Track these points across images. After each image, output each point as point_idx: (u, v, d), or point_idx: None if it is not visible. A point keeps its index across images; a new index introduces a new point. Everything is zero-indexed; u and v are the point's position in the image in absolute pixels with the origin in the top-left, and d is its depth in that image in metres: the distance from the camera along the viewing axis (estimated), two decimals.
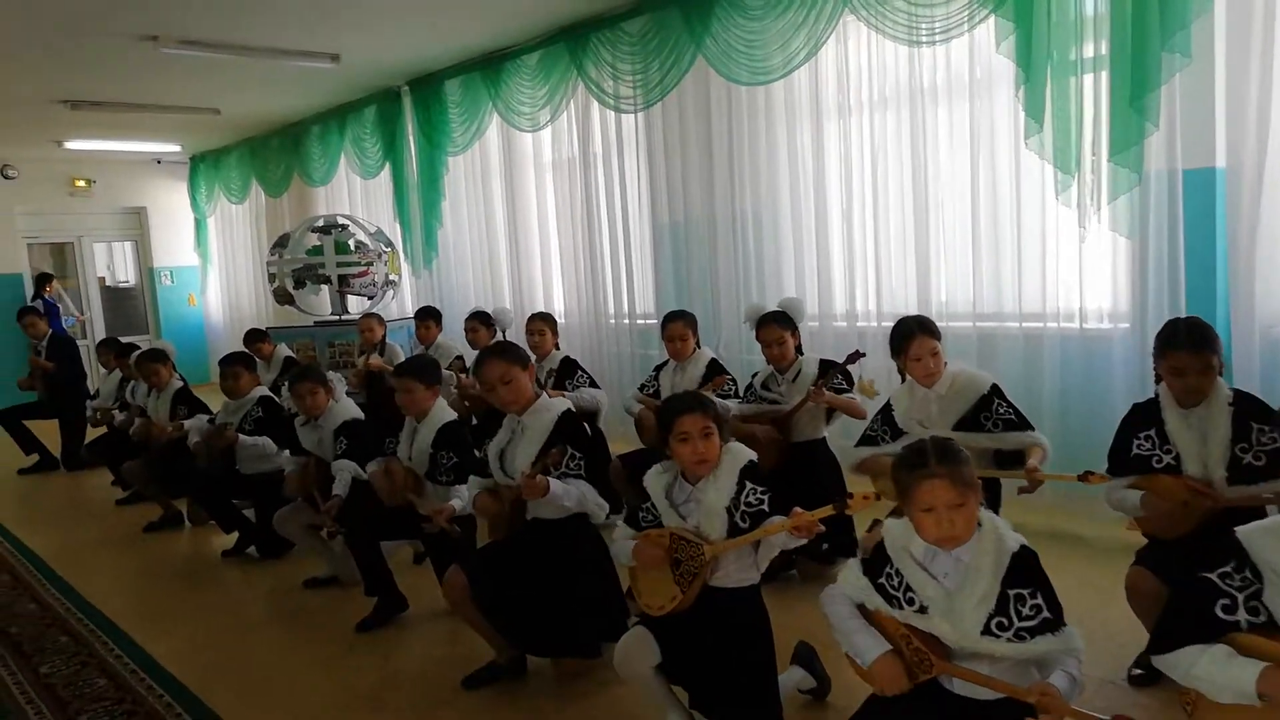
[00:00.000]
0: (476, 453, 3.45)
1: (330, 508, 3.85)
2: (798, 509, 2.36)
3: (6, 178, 11.13)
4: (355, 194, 9.33)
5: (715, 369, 4.41)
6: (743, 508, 2.49)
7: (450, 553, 3.63)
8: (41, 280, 10.71)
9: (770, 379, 4.07)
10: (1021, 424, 3.10)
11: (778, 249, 5.69)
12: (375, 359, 6.49)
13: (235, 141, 10.77)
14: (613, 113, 6.45)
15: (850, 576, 2.24)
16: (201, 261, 12.33)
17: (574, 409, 3.16)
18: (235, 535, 4.95)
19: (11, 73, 7.09)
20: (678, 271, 6.31)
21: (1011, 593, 2.00)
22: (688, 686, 2.59)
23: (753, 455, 2.57)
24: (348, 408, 4.22)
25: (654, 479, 2.66)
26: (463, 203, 7.99)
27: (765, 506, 2.48)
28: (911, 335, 3.21)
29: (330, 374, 4.24)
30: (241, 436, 4.56)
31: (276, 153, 10.17)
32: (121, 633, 3.90)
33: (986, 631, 1.99)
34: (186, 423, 5.30)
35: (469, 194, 7.92)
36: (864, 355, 3.92)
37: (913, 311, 5.04)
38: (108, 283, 12.40)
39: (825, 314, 5.45)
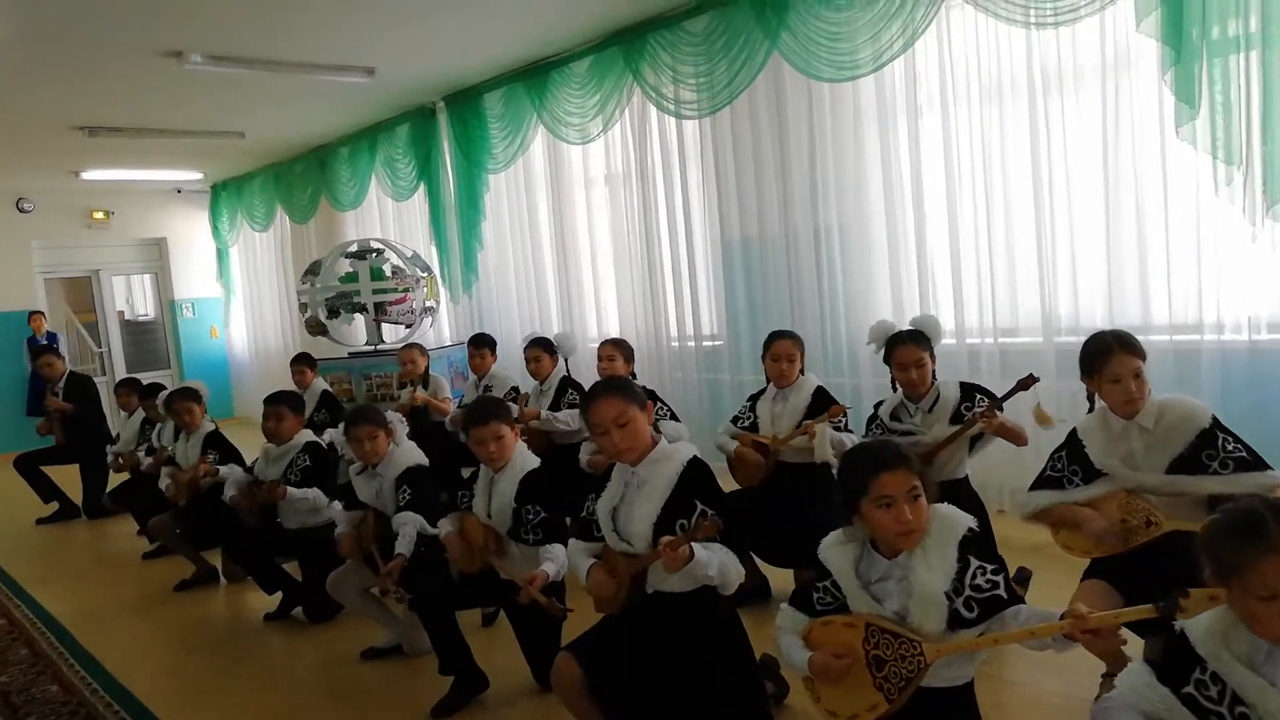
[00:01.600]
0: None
1: (393, 569, 3.31)
2: (1080, 606, 1.78)
3: (22, 211, 10.73)
4: (387, 217, 8.85)
5: (824, 398, 3.85)
6: (968, 592, 1.94)
7: (542, 628, 3.10)
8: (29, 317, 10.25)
9: (900, 408, 3.51)
10: (1257, 463, 2.51)
11: (869, 262, 5.15)
12: (421, 393, 5.97)
13: (258, 167, 10.35)
14: (673, 120, 5.95)
15: (1136, 682, 1.68)
16: (224, 292, 11.88)
17: (699, 455, 2.61)
18: (278, 596, 4.42)
19: (27, 101, 6.67)
20: (750, 290, 5.79)
21: None
22: None
23: (972, 522, 2.01)
24: (410, 453, 3.69)
25: (836, 551, 2.11)
26: (505, 223, 7.49)
27: (1001, 591, 1.92)
28: (1109, 352, 2.61)
29: (389, 413, 3.71)
30: (290, 490, 4.02)
31: (302, 177, 9.73)
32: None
33: None
34: (221, 469, 4.78)
35: (512, 213, 7.42)
36: (1038, 380, 3.34)
37: (1035, 326, 4.53)
38: (126, 316, 11.96)
39: None
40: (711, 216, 5.87)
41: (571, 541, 2.77)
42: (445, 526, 3.34)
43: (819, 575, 2.14)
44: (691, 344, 6.13)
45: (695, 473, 2.52)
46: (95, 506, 6.89)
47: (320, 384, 6.57)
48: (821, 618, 2.09)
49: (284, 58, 6.07)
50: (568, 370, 5.18)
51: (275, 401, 4.27)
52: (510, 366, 6.10)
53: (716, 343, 6.13)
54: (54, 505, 7.00)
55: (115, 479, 6.56)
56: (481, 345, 5.83)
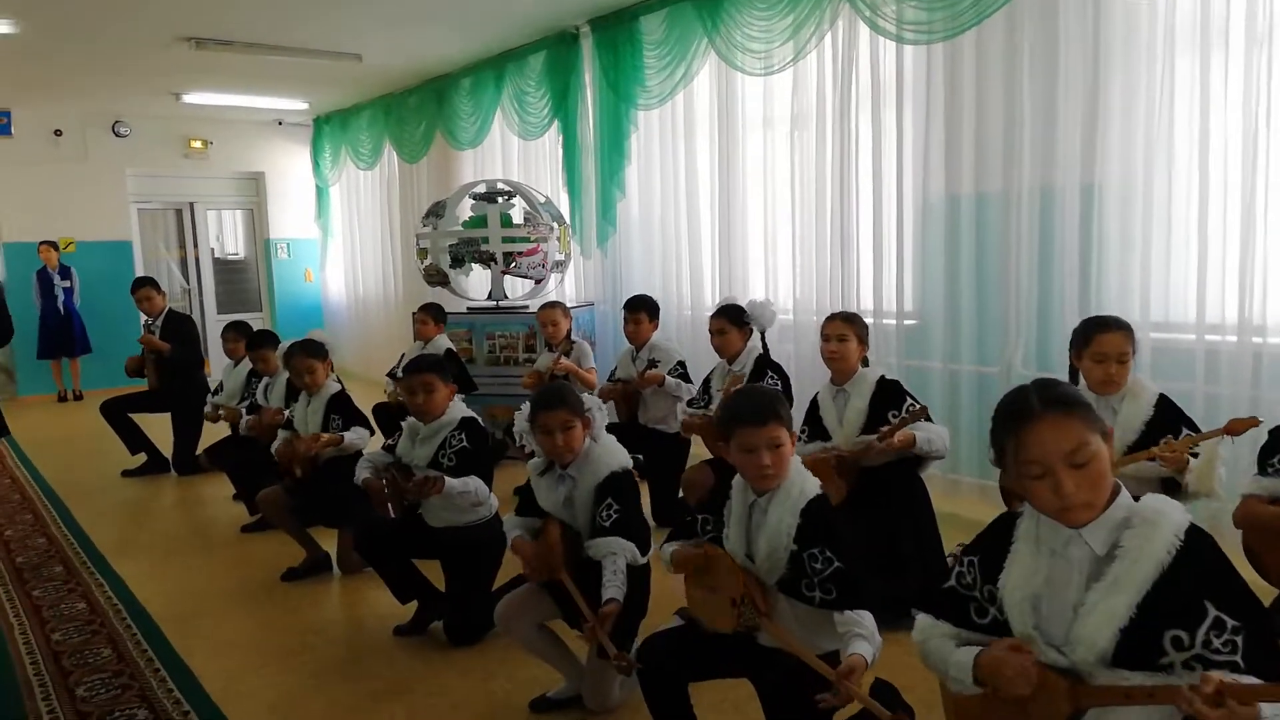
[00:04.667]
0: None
1: (605, 618, 2.39)
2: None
3: (119, 135, 10.10)
4: (511, 158, 7.93)
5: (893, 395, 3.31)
6: None
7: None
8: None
9: None
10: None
11: (1149, 232, 4.03)
12: (565, 361, 5.07)
13: (367, 99, 9.52)
14: (890, 47, 4.88)
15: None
16: (322, 234, 11.16)
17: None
18: (412, 605, 3.57)
19: (133, 5, 5.88)
20: (953, 261, 4.73)
21: None
22: None
23: None
24: (614, 452, 2.76)
25: None
26: (654, 168, 6.49)
27: None
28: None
29: (586, 397, 2.77)
30: (449, 482, 3.12)
31: (416, 111, 8.86)
32: None
33: None
34: (348, 437, 3.95)
35: (664, 157, 6.41)
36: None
37: None
38: (215, 254, 11.33)
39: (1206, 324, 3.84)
40: (925, 168, 4.79)
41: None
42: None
43: None
44: (892, 322, 5.08)
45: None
46: (187, 462, 6.18)
47: (444, 341, 5.76)
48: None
49: None
50: (764, 348, 4.21)
51: (421, 369, 3.33)
52: (672, 336, 5.17)
53: (909, 322, 5.11)
54: (142, 457, 6.31)
55: (210, 433, 5.84)
56: (638, 309, 4.91)
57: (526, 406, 2.81)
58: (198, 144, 10.59)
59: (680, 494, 4.33)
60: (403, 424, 3.50)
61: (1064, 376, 3.99)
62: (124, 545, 4.77)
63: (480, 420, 3.39)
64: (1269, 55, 3.57)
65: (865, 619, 2.05)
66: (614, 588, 2.47)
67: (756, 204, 5.81)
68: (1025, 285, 4.44)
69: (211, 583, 4.20)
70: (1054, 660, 1.57)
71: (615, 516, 2.62)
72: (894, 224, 5.02)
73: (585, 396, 2.76)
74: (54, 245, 9.29)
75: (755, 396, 2.29)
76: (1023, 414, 1.57)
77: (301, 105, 9.82)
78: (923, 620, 1.81)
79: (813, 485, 2.25)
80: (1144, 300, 4.08)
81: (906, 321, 5.06)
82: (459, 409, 3.38)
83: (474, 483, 3.19)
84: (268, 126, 10.95)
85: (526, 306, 6.64)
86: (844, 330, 3.41)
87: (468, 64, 7.93)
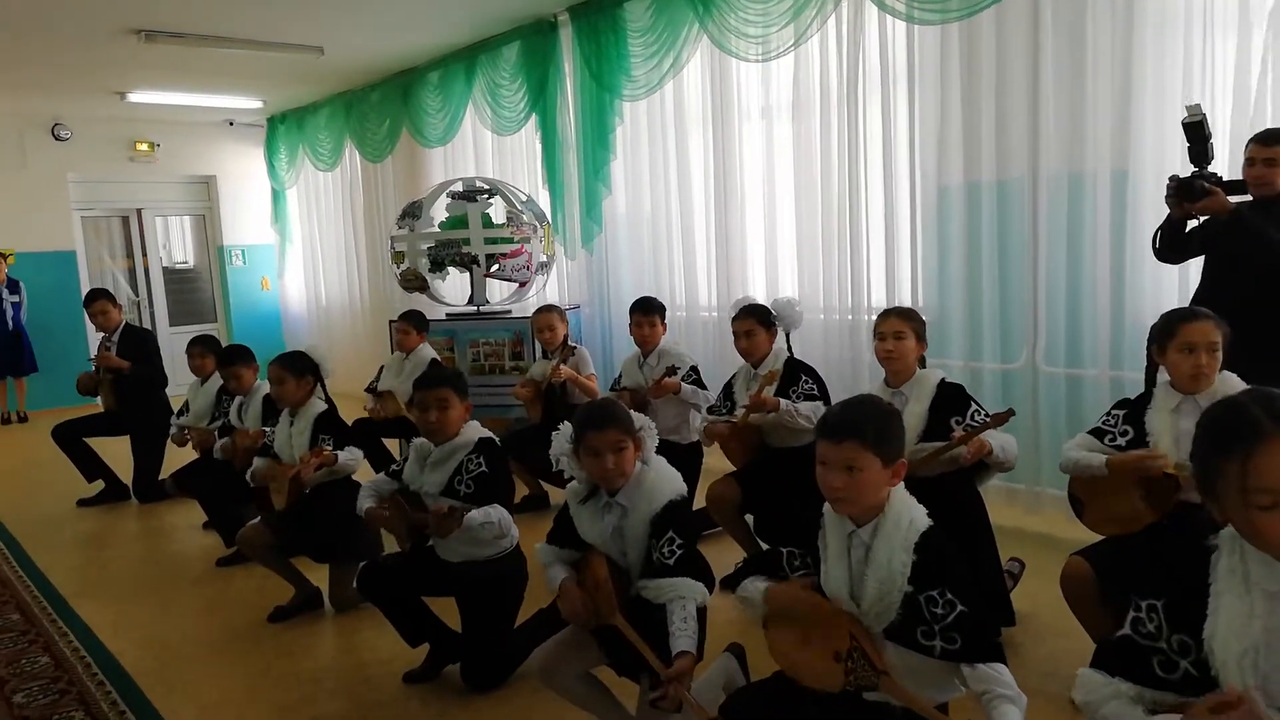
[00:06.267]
0: None
1: (682, 674, 2.08)
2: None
3: (59, 138, 9.50)
4: (485, 155, 7.55)
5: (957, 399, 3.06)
6: None
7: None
8: None
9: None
10: None
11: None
12: (566, 369, 4.74)
13: (326, 96, 9.06)
14: (900, 28, 4.62)
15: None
16: (280, 240, 10.64)
17: None
18: (424, 648, 3.21)
19: None
20: (974, 253, 4.50)
21: None
22: None
23: None
24: (669, 479, 2.43)
25: None
26: (642, 162, 6.18)
27: None
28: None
29: (637, 416, 2.45)
30: (469, 516, 2.76)
31: (378, 108, 8.44)
32: None
33: None
34: (341, 457, 3.58)
35: (653, 150, 6.10)
36: None
37: None
38: (164, 263, 10.74)
39: None
40: (952, 155, 4.54)
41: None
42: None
43: None
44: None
45: None
46: (149, 488, 5.72)
47: (429, 351, 5.39)
48: None
49: None
50: (790, 349, 3.92)
51: (435, 383, 2.97)
52: (679, 340, 4.87)
53: (925, 318, 4.84)
54: (99, 484, 5.84)
55: (174, 457, 5.40)
56: (650, 312, 4.59)
57: (566, 426, 2.48)
58: (144, 147, 10.02)
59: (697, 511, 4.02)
60: (411, 445, 3.14)
61: (1119, 372, 3.85)
62: (87, 585, 4.33)
63: (498, 441, 3.05)
64: None
65: (1003, 675, 1.77)
66: (686, 638, 2.15)
67: (756, 197, 5.53)
68: (1052, 277, 4.22)
69: (190, 627, 3.80)
70: None
71: (679, 553, 2.30)
72: (907, 214, 4.77)
73: (637, 416, 2.44)
74: (2, 256, 8.66)
75: (869, 408, 1.99)
76: (1249, 433, 1.33)
77: (255, 104, 9.32)
78: (1091, 678, 1.53)
79: (922, 515, 1.97)
80: (1183, 293, 3.87)
81: (922, 317, 4.81)
82: (475, 429, 3.02)
83: (497, 513, 2.84)
84: (218, 127, 10.42)
85: (510, 311, 6.30)
86: (900, 327, 3.13)
87: (436, 56, 7.54)
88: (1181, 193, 3.27)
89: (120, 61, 7.07)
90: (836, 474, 1.91)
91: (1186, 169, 3.54)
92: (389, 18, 6.36)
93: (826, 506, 2.06)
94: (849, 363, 5.06)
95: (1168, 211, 3.40)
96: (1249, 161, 3.30)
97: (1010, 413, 2.85)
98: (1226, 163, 3.54)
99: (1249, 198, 3.29)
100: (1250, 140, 3.34)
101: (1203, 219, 3.33)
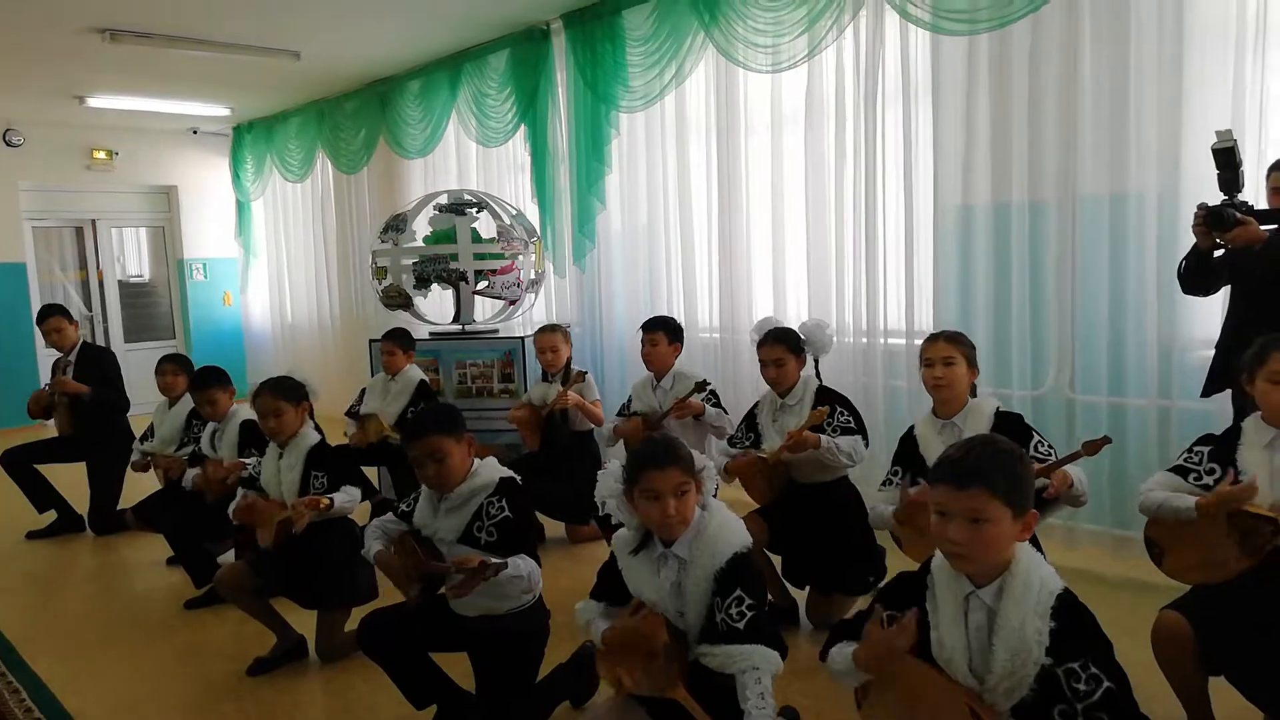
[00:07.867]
0: None
1: None
2: None
3: (10, 144, 8.99)
4: (469, 168, 7.22)
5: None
6: None
7: None
8: None
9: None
10: None
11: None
12: (573, 395, 4.43)
13: (298, 104, 8.67)
14: (924, 38, 4.41)
15: None
16: (244, 254, 10.19)
17: None
18: (431, 710, 2.87)
19: None
20: (1000, 273, 4.29)
21: None
22: None
23: None
24: (732, 525, 2.14)
25: None
26: (639, 176, 5.91)
27: None
28: None
29: (696, 456, 2.15)
30: (501, 567, 2.43)
31: (354, 117, 8.09)
32: None
33: None
34: (339, 500, 3.23)
35: (650, 164, 5.83)
36: None
37: None
38: (118, 277, 10.23)
39: None
40: (979, 174, 4.32)
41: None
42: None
43: None
44: (903, 342, 4.61)
45: None
46: (106, 519, 5.28)
47: (416, 373, 5.05)
48: None
49: None
50: (819, 375, 3.65)
51: (421, 433, 2.57)
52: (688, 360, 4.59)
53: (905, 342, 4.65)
54: (51, 515, 5.38)
55: (133, 486, 4.98)
56: (659, 330, 4.29)
57: (614, 464, 2.17)
58: (101, 155, 9.53)
59: None
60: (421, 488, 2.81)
61: (1168, 400, 3.64)
62: (40, 633, 3.91)
63: (519, 480, 2.72)
64: None
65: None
66: (765, 717, 1.86)
67: (762, 212, 5.28)
68: (1090, 302, 4.01)
69: (160, 681, 3.40)
70: None
71: (749, 614, 2.01)
72: (929, 235, 4.55)
73: (698, 456, 2.14)
74: None
75: (997, 450, 1.71)
76: None
77: (222, 111, 8.89)
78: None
79: (1053, 575, 1.70)
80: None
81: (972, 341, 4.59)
82: (492, 468, 2.69)
83: (526, 565, 2.51)
84: (180, 136, 9.97)
85: (498, 331, 5.98)
86: (950, 352, 2.88)
87: (418, 64, 7.22)
88: (1211, 222, 3.07)
89: (81, 62, 6.65)
90: (959, 526, 1.65)
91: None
92: (372, 23, 6.04)
93: (935, 562, 1.79)
94: (861, 389, 4.80)
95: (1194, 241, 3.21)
96: (1275, 191, 3.15)
97: (1106, 440, 2.59)
98: None
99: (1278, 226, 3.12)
100: (1271, 168, 3.18)
101: (1229, 248, 3.15)
